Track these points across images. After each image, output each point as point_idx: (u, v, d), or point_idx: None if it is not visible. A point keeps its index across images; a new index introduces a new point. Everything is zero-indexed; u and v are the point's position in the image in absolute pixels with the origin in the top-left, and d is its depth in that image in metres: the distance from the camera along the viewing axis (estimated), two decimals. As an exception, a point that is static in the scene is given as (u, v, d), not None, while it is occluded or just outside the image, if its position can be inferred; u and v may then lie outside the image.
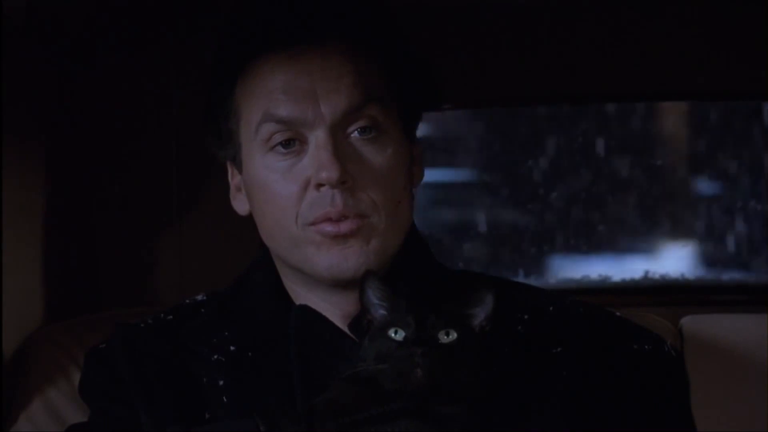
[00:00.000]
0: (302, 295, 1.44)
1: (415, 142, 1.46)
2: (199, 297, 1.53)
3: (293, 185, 1.38)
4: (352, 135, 1.38)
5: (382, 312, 1.33)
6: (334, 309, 1.42)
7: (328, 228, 1.37)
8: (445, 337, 1.29)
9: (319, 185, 1.37)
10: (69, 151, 2.10)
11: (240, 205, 1.48)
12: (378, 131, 1.39)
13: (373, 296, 1.33)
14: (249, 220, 1.48)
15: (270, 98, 1.38)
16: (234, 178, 1.48)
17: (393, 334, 1.29)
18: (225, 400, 1.41)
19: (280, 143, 1.38)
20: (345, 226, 1.37)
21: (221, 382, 1.42)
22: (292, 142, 1.38)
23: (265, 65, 1.39)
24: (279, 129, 1.38)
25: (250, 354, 1.43)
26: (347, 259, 1.38)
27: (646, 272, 2.52)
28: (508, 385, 1.36)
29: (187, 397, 1.42)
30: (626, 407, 1.39)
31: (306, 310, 1.41)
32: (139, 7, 2.09)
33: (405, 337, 1.29)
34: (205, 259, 2.16)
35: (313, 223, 1.38)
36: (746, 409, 2.05)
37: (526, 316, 1.43)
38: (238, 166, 1.45)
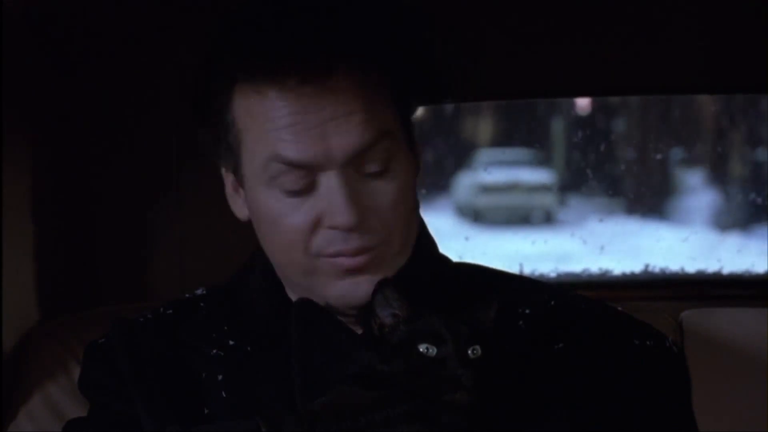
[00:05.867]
0: (292, 288, 1.44)
1: (416, 143, 1.42)
2: (199, 291, 1.53)
3: (303, 220, 1.34)
4: (366, 169, 1.33)
5: (395, 319, 1.29)
6: (333, 305, 1.42)
7: (345, 261, 1.35)
8: (472, 353, 1.26)
9: (332, 227, 1.33)
10: (68, 145, 2.10)
11: (240, 210, 1.44)
12: (389, 163, 1.34)
13: (387, 303, 1.29)
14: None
15: (278, 136, 1.32)
16: (228, 178, 1.43)
17: (424, 350, 1.25)
18: (224, 395, 1.40)
19: (289, 181, 1.33)
20: (360, 259, 1.34)
21: (220, 377, 1.41)
22: (302, 179, 1.33)
23: (270, 90, 1.32)
24: (288, 170, 1.32)
25: (249, 348, 1.42)
26: (358, 290, 1.36)
27: (646, 266, 2.52)
28: (509, 380, 1.36)
29: (186, 393, 1.42)
30: (627, 402, 1.39)
31: (308, 303, 1.40)
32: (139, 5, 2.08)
33: (440, 354, 1.25)
34: (204, 254, 2.15)
35: (326, 255, 1.35)
36: (746, 404, 2.05)
37: (527, 311, 1.43)
38: (240, 179, 1.40)
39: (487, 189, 5.14)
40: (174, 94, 2.07)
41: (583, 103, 4.43)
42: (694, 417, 1.44)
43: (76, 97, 2.09)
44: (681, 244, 3.16)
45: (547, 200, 5.04)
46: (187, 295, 1.53)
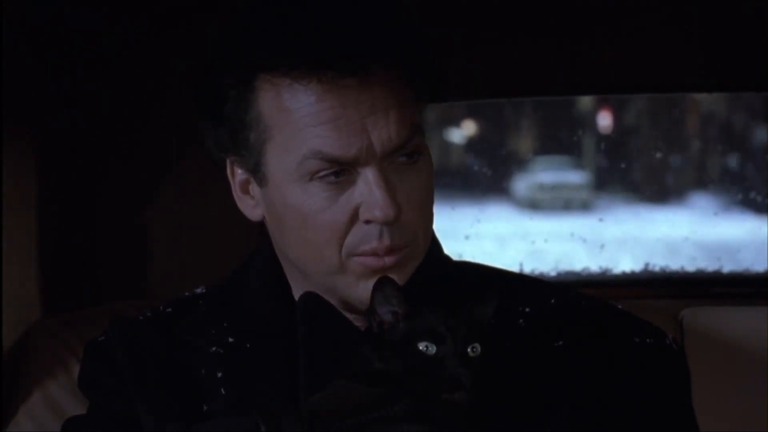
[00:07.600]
0: (303, 287, 1.43)
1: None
2: (199, 290, 1.53)
3: (339, 215, 1.33)
4: (397, 162, 1.34)
5: (394, 317, 1.28)
6: (334, 302, 1.42)
7: (373, 262, 1.35)
8: (472, 351, 1.25)
9: (369, 221, 1.33)
10: (68, 144, 2.10)
11: (251, 210, 1.42)
12: (418, 159, 1.35)
13: (387, 301, 1.28)
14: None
15: (317, 133, 1.31)
16: (236, 177, 1.41)
17: (424, 348, 1.25)
18: (223, 392, 1.40)
19: (327, 177, 1.33)
20: (389, 259, 1.34)
21: (219, 374, 1.41)
22: (339, 174, 1.33)
23: (307, 84, 1.30)
24: (326, 166, 1.32)
25: (248, 345, 1.42)
26: None
27: (647, 264, 2.52)
28: (509, 379, 1.36)
29: (185, 390, 1.41)
30: (627, 400, 1.38)
31: (313, 297, 1.40)
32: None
33: (439, 352, 1.25)
34: (204, 253, 2.16)
35: (357, 254, 1.35)
36: (747, 402, 2.05)
37: (527, 309, 1.43)
38: (259, 178, 1.38)
39: (542, 186, 7.58)
40: (174, 94, 2.07)
41: (605, 123, 6.08)
42: (695, 415, 1.44)
43: (76, 97, 2.09)
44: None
45: (584, 194, 7.48)
46: (186, 294, 1.53)
